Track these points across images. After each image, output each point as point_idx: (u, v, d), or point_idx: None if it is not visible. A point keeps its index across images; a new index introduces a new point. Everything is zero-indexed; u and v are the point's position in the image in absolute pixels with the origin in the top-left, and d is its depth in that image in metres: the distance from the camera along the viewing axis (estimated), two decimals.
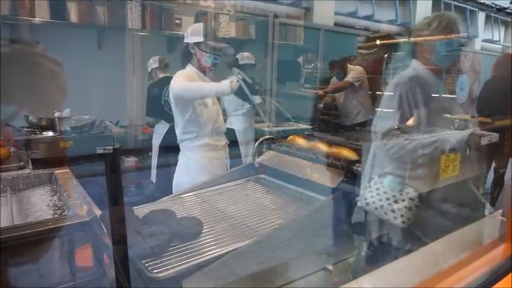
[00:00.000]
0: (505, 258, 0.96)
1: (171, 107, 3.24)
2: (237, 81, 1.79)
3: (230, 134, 3.34)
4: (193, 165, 1.97)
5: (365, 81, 3.34)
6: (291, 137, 1.90)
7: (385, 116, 1.58)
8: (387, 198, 1.40)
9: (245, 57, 3.38)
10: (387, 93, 1.56)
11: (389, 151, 1.47)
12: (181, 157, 2.06)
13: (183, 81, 1.91)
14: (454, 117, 1.66)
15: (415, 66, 1.60)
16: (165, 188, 3.26)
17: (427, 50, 1.58)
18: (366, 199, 1.46)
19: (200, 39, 1.97)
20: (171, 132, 3.30)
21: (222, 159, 2.07)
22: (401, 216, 1.36)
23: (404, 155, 1.44)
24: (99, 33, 3.69)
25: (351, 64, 3.46)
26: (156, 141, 3.34)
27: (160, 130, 3.37)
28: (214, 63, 2.01)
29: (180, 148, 2.04)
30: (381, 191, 1.42)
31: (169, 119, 3.31)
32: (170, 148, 3.37)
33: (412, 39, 1.68)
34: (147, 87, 3.45)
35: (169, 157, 3.42)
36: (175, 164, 3.16)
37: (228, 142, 2.16)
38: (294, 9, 5.08)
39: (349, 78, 3.28)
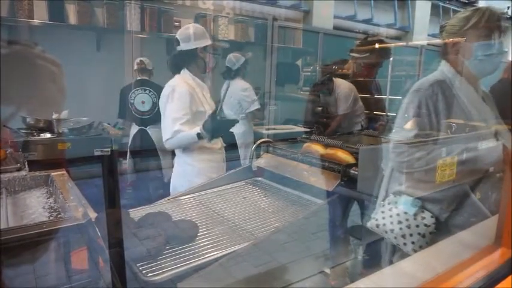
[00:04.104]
0: (503, 263, 0.96)
1: (137, 110, 3.27)
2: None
3: (229, 137, 3.34)
4: (189, 168, 1.95)
5: (356, 96, 3.23)
6: (307, 143, 1.86)
7: (402, 125, 1.35)
8: (399, 222, 1.23)
9: (232, 60, 3.33)
10: (406, 100, 1.34)
11: (400, 165, 1.27)
12: (177, 161, 2.03)
13: (173, 134, 1.82)
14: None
15: (443, 70, 1.34)
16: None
17: (461, 51, 1.30)
18: (376, 220, 1.31)
19: (208, 42, 1.93)
20: (140, 134, 3.30)
21: (218, 162, 2.05)
22: (413, 243, 1.21)
23: (422, 172, 1.23)
24: (98, 35, 3.70)
25: (337, 77, 3.36)
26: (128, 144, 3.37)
27: (131, 132, 3.38)
28: (217, 61, 2.01)
29: (176, 152, 2.03)
30: (393, 213, 1.26)
31: (138, 122, 3.32)
32: (139, 152, 3.36)
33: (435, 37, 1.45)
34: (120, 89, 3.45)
35: (140, 161, 3.45)
36: (146, 170, 3.13)
37: (225, 145, 2.14)
38: (293, 12, 5.09)
39: (340, 111, 3.19)
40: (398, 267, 1.08)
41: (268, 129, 3.79)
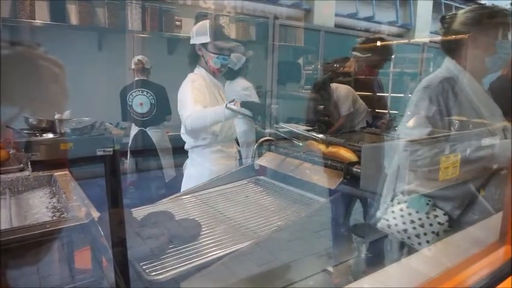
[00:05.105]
0: (506, 261, 0.96)
1: (135, 112, 3.25)
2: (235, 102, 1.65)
3: None
4: (204, 172, 1.94)
5: (355, 97, 3.23)
6: (309, 142, 1.85)
7: (411, 122, 1.34)
8: (412, 221, 1.22)
9: (233, 59, 3.30)
10: (415, 97, 1.34)
11: (415, 163, 1.23)
12: (191, 162, 2.00)
13: (191, 114, 1.71)
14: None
15: (449, 67, 1.35)
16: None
17: (472, 48, 1.30)
18: (387, 220, 1.29)
19: (206, 39, 1.85)
20: (140, 135, 3.31)
21: (231, 166, 2.01)
22: (427, 242, 1.19)
23: (434, 170, 1.19)
24: (99, 35, 3.70)
25: (333, 82, 3.35)
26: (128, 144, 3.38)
27: (131, 133, 3.39)
28: (223, 64, 1.92)
29: (189, 154, 2.00)
30: (404, 212, 1.24)
31: (137, 123, 3.34)
32: (139, 152, 3.36)
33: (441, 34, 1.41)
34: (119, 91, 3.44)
35: (141, 161, 3.44)
36: (147, 170, 3.03)
37: (239, 149, 2.11)
38: (294, 11, 5.08)
39: (342, 112, 3.21)
40: (401, 265, 1.08)
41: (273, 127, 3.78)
